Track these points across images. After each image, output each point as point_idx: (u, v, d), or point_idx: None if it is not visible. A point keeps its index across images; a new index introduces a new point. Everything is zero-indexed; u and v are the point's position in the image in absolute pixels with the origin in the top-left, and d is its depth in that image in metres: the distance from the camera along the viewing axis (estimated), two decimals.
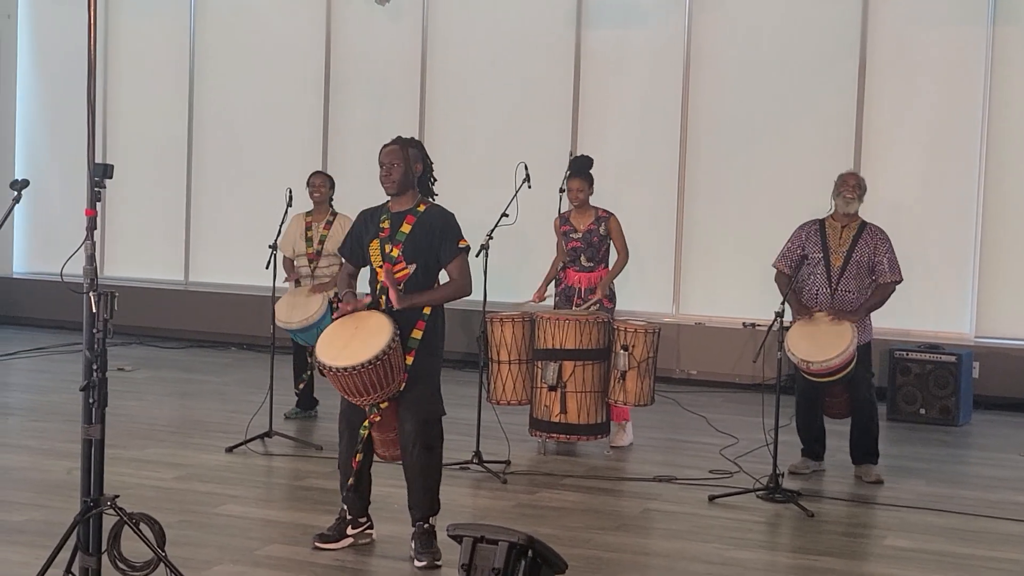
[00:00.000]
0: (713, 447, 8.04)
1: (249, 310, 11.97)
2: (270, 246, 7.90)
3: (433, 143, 11.86)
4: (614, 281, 8.21)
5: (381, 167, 5.52)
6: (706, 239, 11.10)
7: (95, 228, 4.44)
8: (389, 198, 5.60)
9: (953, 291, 10.34)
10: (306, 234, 8.46)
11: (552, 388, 7.62)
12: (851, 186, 7.29)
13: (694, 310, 11.14)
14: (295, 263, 8.52)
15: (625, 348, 7.61)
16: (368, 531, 5.69)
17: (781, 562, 5.72)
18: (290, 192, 8.00)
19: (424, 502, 5.48)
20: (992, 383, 9.92)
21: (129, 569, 4.66)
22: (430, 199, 5.66)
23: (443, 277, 5.61)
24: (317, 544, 5.57)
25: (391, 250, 5.48)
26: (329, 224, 8.44)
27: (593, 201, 8.24)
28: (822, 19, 10.75)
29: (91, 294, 4.38)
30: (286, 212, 7.98)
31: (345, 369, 5.24)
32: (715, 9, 11.04)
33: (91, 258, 4.41)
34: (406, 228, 5.50)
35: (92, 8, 4.48)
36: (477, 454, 7.15)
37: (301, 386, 8.57)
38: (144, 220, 13.21)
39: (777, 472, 6.70)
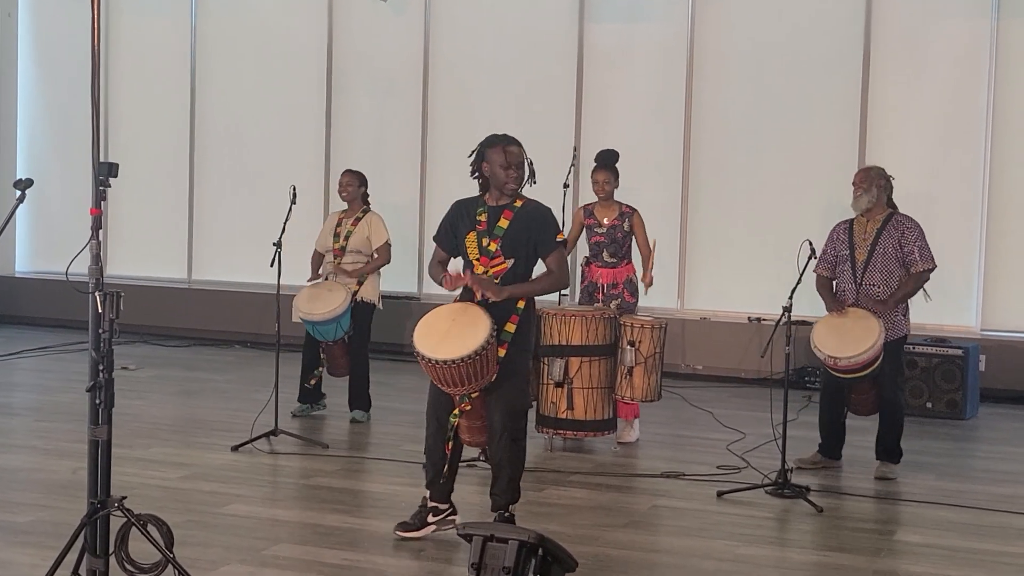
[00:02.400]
0: (720, 442, 8.00)
1: (253, 308, 11.95)
2: (274, 244, 7.86)
3: (436, 138, 11.91)
4: (635, 276, 8.19)
5: (510, 167, 5.53)
6: (711, 233, 11.07)
7: (100, 227, 4.40)
8: (483, 192, 5.64)
9: (959, 284, 10.29)
10: (335, 230, 8.52)
11: (559, 384, 7.59)
12: (855, 182, 7.26)
13: (699, 305, 11.11)
14: (324, 259, 8.60)
15: (632, 344, 7.58)
16: (451, 517, 5.72)
17: (791, 558, 5.69)
18: (294, 189, 7.96)
19: (508, 491, 5.62)
20: (999, 376, 9.88)
21: (137, 571, 4.63)
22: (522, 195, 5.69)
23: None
24: (399, 532, 5.63)
25: (488, 244, 5.53)
26: (358, 220, 8.47)
27: None
28: (826, 12, 10.71)
29: (97, 294, 4.35)
30: (290, 209, 7.95)
31: (445, 362, 5.29)
32: (719, 2, 10.99)
33: (96, 257, 4.37)
34: (504, 223, 5.55)
35: (96, 6, 4.44)
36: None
37: (313, 382, 8.55)
38: (147, 218, 13.17)
39: (786, 467, 6.67)
